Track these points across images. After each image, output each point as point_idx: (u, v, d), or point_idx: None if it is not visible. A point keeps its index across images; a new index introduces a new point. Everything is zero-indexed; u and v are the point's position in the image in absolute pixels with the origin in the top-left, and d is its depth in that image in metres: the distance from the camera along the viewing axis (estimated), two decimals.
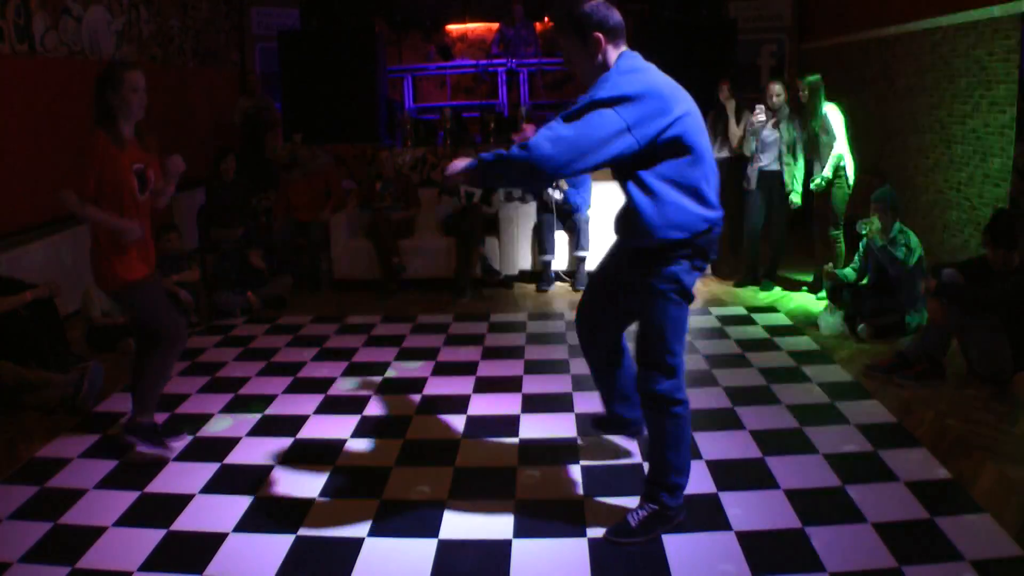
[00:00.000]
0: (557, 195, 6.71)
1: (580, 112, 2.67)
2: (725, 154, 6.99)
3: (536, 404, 4.34)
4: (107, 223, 3.54)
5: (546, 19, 10.92)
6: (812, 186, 6.00)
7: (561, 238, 6.85)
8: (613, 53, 2.83)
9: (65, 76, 6.31)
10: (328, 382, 4.75)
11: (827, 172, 5.86)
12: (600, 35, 2.79)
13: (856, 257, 5.44)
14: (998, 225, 4.37)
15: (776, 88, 6.25)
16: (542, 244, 6.75)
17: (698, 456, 3.65)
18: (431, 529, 3.14)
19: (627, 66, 2.78)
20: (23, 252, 5.40)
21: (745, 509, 3.19)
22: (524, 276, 6.89)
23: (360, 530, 3.14)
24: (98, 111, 3.55)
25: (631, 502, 3.26)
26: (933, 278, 4.54)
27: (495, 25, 10.78)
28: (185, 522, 3.23)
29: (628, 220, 2.82)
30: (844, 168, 5.87)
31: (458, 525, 3.16)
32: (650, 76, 2.78)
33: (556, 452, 3.75)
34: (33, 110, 5.96)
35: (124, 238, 3.55)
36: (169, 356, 3.79)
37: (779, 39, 9.38)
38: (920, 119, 6.62)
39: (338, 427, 4.11)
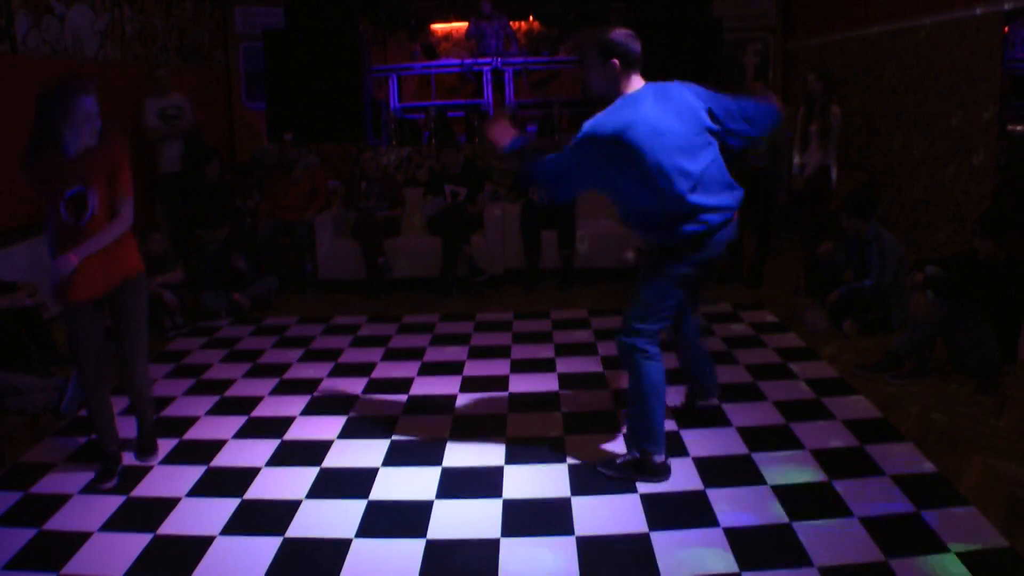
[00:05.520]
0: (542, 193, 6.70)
1: None
2: None
3: (523, 403, 4.33)
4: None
5: (531, 18, 10.90)
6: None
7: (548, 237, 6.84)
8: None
9: (47, 76, 6.23)
10: (314, 383, 4.73)
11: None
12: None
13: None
14: (992, 216, 4.41)
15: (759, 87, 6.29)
16: (528, 243, 6.73)
17: (685, 453, 3.66)
18: (419, 529, 3.13)
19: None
20: (6, 254, 5.34)
21: (732, 505, 3.20)
22: (510, 275, 6.88)
23: (347, 531, 3.13)
24: (39, 130, 3.14)
25: (618, 499, 3.27)
26: (920, 271, 4.57)
27: None
28: (171, 526, 3.21)
29: None
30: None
31: (446, 525, 3.16)
32: None
33: (543, 451, 3.75)
34: (14, 110, 5.90)
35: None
36: (87, 391, 3.55)
37: (764, 38, 9.42)
38: (904, 117, 6.66)
39: (324, 428, 4.10)
